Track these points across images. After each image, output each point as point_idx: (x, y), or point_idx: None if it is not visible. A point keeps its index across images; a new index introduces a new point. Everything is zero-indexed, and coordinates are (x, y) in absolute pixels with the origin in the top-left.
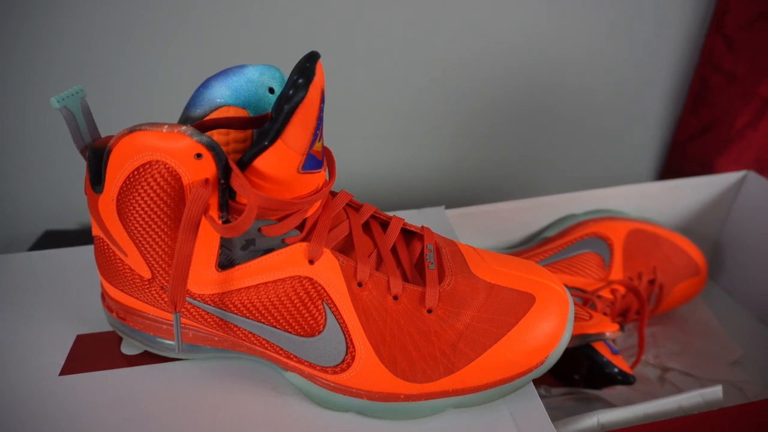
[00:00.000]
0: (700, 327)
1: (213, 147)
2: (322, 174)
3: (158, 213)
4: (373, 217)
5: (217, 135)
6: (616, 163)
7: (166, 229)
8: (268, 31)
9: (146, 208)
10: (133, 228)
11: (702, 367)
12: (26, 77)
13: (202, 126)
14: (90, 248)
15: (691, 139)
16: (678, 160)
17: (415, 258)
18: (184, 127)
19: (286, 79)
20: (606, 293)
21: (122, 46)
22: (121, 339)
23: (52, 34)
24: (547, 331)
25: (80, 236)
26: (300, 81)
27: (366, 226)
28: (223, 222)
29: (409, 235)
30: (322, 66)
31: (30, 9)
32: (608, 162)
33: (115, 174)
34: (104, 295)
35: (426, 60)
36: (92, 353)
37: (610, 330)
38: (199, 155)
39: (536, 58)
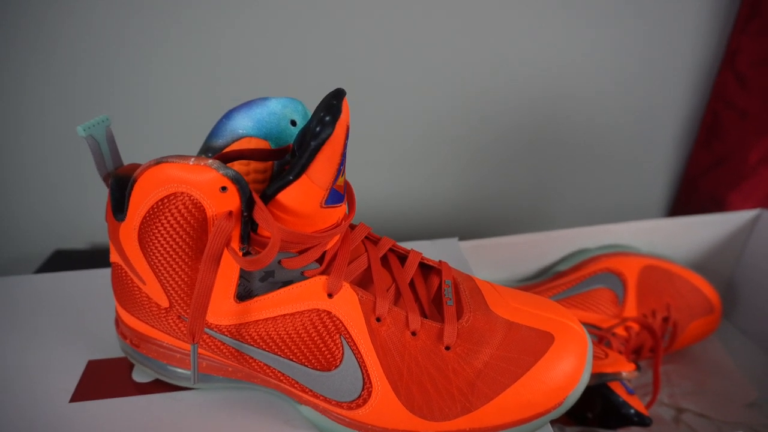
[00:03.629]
0: (714, 366)
1: (238, 180)
2: (343, 208)
3: (180, 243)
4: (391, 250)
5: (238, 165)
6: (628, 196)
7: (186, 260)
8: (285, 63)
9: (168, 238)
10: (153, 257)
11: (717, 409)
12: (44, 100)
13: (224, 157)
14: (101, 271)
15: (704, 173)
16: (689, 195)
17: (433, 293)
18: (210, 161)
19: (308, 112)
20: (620, 330)
21: (142, 76)
22: (132, 366)
23: (72, 59)
24: (567, 371)
25: (90, 256)
26: (327, 118)
27: (384, 260)
28: (244, 254)
29: (426, 269)
30: (347, 103)
31: (54, 33)
32: (619, 195)
33: (139, 203)
34: (118, 321)
35: (438, 91)
36: (103, 380)
37: (627, 370)
38: (224, 188)
39: (549, 90)
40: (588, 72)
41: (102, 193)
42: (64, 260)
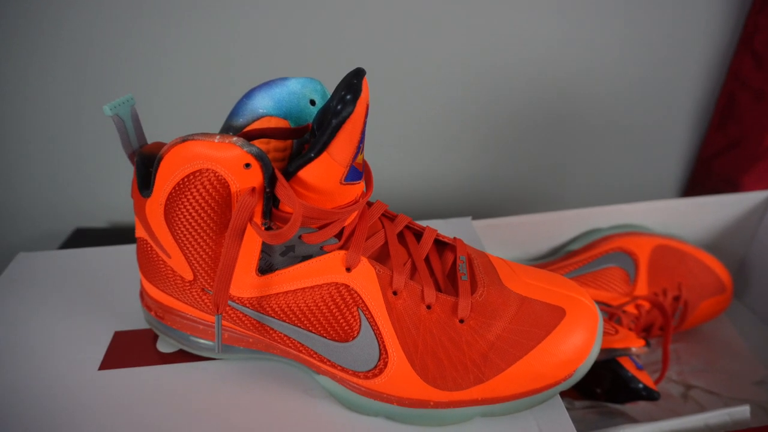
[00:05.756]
0: (724, 345)
1: (261, 157)
2: (361, 185)
3: (205, 218)
4: (407, 227)
5: (258, 144)
6: (641, 176)
7: (211, 234)
8: (302, 45)
9: (194, 213)
10: (179, 231)
11: (726, 386)
12: (63, 80)
13: (245, 136)
14: (125, 247)
15: (717, 155)
16: (703, 176)
17: (448, 268)
18: (234, 138)
19: (327, 92)
20: (631, 308)
21: (163, 57)
22: (157, 337)
23: (93, 41)
24: (577, 344)
25: (111, 235)
26: (348, 97)
27: (400, 236)
28: (266, 228)
29: (441, 245)
30: (367, 83)
31: (76, 12)
32: (632, 175)
33: (165, 180)
34: (143, 294)
35: (451, 71)
36: (129, 350)
37: (636, 345)
38: (248, 165)
39: (563, 70)
40: (603, 52)
41: (121, 173)
42: (84, 238)
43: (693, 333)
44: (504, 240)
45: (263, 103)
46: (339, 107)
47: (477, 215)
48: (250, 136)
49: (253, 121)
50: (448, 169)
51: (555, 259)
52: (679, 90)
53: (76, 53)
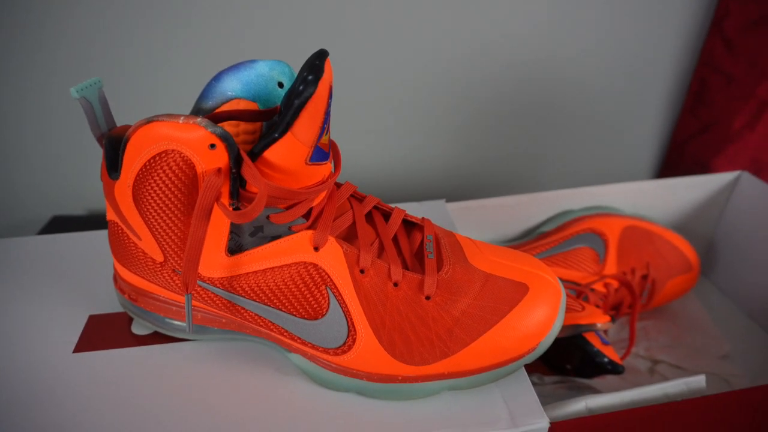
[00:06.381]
0: (690, 322)
1: (226, 138)
2: (328, 166)
3: (172, 199)
4: (375, 208)
5: (228, 126)
6: (615, 160)
7: (179, 215)
8: (275, 28)
9: (161, 195)
10: (147, 213)
11: (691, 360)
12: (39, 68)
13: (214, 118)
14: (100, 233)
15: (690, 138)
16: (676, 159)
17: (415, 247)
18: (199, 119)
19: (295, 74)
20: (599, 287)
21: (134, 41)
22: (131, 319)
23: (65, 27)
24: (539, 319)
25: (87, 222)
26: (310, 77)
27: (369, 217)
28: (234, 209)
29: (410, 225)
30: (330, 63)
31: (44, 4)
32: (607, 159)
33: (132, 162)
34: (116, 277)
35: (428, 56)
36: (104, 333)
37: (601, 321)
38: (212, 146)
39: (537, 55)
40: (575, 38)
41: (98, 160)
42: (61, 226)
43: (661, 310)
44: (477, 222)
45: (232, 85)
46: (301, 88)
47: (451, 198)
48: (219, 119)
49: (222, 103)
50: (424, 154)
51: (527, 240)
52: (651, 75)
53: (44, 37)
